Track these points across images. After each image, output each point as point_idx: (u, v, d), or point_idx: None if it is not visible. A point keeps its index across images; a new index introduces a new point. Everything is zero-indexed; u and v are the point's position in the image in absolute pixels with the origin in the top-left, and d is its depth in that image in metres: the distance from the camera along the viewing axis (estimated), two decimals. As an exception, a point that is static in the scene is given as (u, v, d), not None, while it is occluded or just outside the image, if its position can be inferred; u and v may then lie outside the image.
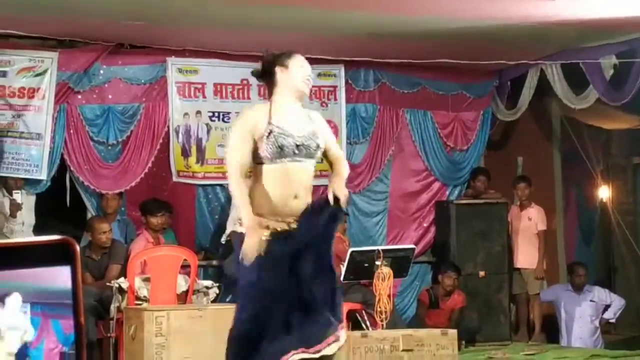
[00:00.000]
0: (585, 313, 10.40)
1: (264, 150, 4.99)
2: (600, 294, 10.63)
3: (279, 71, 5.27)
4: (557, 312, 10.58)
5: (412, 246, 9.29)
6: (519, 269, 10.44)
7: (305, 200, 5.07)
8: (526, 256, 10.40)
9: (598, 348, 10.09)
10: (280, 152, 5.00)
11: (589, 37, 9.22)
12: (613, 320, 10.74)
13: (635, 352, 8.86)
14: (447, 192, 10.64)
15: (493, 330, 10.13)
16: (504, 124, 11.15)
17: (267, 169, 5.04)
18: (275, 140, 4.99)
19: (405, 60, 9.79)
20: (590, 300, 10.44)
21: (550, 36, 9.07)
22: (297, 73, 5.26)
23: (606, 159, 13.05)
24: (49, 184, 8.85)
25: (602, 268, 13.48)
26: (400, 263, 8.72)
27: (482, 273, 10.21)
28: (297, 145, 5.06)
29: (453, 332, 8.20)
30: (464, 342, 9.15)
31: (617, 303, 10.68)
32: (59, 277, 0.72)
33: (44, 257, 0.71)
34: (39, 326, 0.82)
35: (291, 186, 5.04)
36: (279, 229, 4.98)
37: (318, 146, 5.17)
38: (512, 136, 11.44)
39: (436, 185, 10.58)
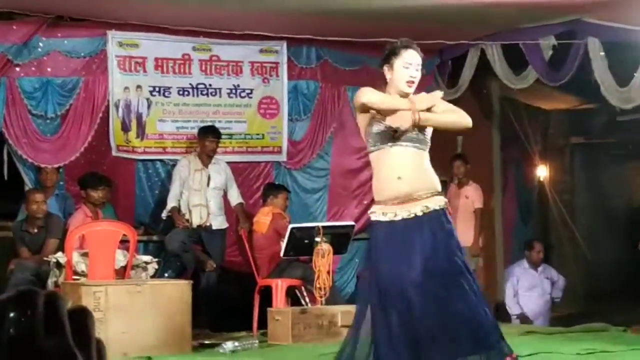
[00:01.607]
0: (541, 289, 10.67)
1: None
2: (550, 271, 10.88)
3: (387, 70, 5.29)
4: (512, 292, 10.73)
5: (352, 223, 9.33)
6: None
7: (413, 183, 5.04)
8: (463, 234, 10.40)
9: (547, 325, 10.26)
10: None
11: (529, 17, 9.30)
12: (558, 299, 10.92)
13: (568, 328, 9.00)
14: (388, 170, 10.66)
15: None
16: (445, 103, 11.19)
17: None
18: None
19: (348, 39, 9.80)
20: (546, 278, 10.71)
21: (491, 16, 9.13)
22: (401, 75, 5.22)
23: (544, 138, 13.23)
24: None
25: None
26: (340, 240, 8.77)
27: (420, 250, 10.24)
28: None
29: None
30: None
31: (562, 282, 10.92)
32: None
33: None
34: None
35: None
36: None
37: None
38: (452, 115, 11.50)
39: (377, 162, 10.60)
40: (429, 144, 5.14)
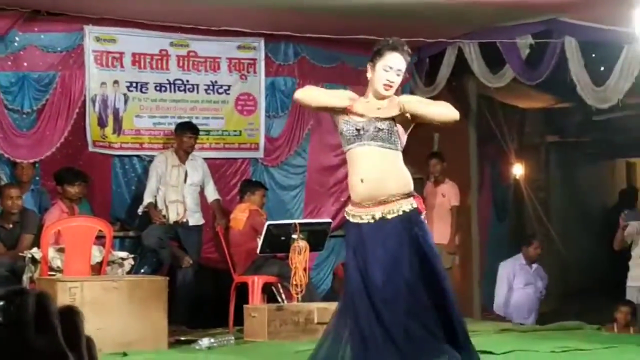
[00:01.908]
0: (534, 286, 10.64)
1: None
2: (540, 268, 10.88)
3: (369, 68, 5.22)
4: (501, 285, 10.68)
5: (329, 220, 9.34)
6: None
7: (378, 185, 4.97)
8: (439, 232, 10.48)
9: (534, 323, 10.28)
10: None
11: (507, 16, 9.33)
12: (543, 297, 10.91)
13: (543, 326, 9.06)
14: (365, 168, 10.68)
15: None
16: (422, 101, 11.21)
17: None
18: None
19: (325, 36, 9.81)
20: (538, 275, 10.70)
21: (469, 15, 9.16)
22: (380, 76, 5.13)
23: (520, 137, 13.29)
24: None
25: (514, 244, 13.74)
26: (316, 237, 8.77)
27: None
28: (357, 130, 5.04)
29: (367, 306, 8.29)
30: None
31: (546, 279, 10.93)
32: None
33: None
34: None
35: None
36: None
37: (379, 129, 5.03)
38: (429, 113, 11.53)
39: (354, 160, 10.62)
40: (400, 142, 5.02)
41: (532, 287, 10.67)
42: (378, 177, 4.94)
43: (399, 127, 5.01)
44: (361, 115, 5.02)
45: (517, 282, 10.64)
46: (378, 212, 4.92)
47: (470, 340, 5.10)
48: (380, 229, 4.92)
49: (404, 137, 5.05)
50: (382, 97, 5.09)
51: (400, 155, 5.05)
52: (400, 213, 4.91)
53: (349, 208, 5.08)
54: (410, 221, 4.93)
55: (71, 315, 0.90)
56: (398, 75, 5.10)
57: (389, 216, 4.92)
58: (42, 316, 0.84)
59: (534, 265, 10.75)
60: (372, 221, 4.93)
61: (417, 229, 4.94)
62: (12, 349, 0.78)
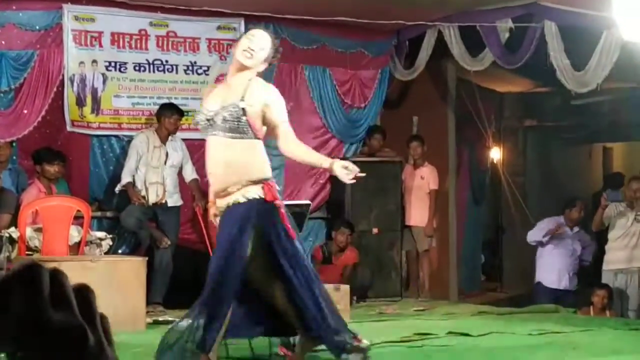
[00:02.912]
0: (571, 249, 10.25)
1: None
2: (584, 235, 10.44)
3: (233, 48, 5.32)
4: (536, 230, 10.32)
5: (308, 202, 9.32)
6: (409, 227, 10.58)
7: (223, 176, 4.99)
8: (417, 214, 10.54)
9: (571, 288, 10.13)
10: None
11: (488, 0, 9.35)
12: (588, 263, 10.48)
13: (520, 309, 9.11)
14: (344, 150, 10.72)
15: (384, 287, 10.28)
16: (401, 84, 11.26)
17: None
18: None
19: (306, 17, 9.79)
20: (578, 240, 10.32)
21: (449, -2, 9.17)
22: (240, 45, 5.20)
23: (498, 121, 13.34)
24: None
25: (491, 228, 13.83)
26: (296, 218, 8.65)
27: (375, 230, 10.33)
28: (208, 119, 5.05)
29: (345, 288, 8.32)
30: (355, 298, 9.28)
31: (593, 247, 10.44)
32: None
33: None
34: None
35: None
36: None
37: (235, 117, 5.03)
38: (408, 96, 11.57)
39: (333, 142, 10.65)
40: (251, 130, 5.01)
41: (566, 248, 10.20)
42: (225, 168, 4.97)
43: (249, 113, 5.00)
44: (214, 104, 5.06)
45: (550, 243, 10.21)
46: (223, 203, 4.99)
47: (340, 328, 5.16)
48: (226, 216, 4.98)
49: (261, 124, 5.07)
50: (243, 67, 5.11)
51: (254, 143, 5.05)
52: (242, 201, 4.94)
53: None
54: (253, 209, 4.95)
55: (85, 292, 0.89)
56: (262, 49, 5.14)
57: (232, 203, 4.96)
58: (57, 291, 0.83)
59: (575, 229, 10.27)
60: (223, 210, 5.02)
61: (261, 219, 4.95)
62: (31, 322, 0.77)
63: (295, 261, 5.01)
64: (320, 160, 5.30)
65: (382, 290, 10.21)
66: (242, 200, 4.92)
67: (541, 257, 10.32)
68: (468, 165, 12.70)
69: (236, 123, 4.95)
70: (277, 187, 5.17)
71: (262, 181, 5.00)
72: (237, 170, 4.94)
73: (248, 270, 4.98)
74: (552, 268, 10.20)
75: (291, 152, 5.27)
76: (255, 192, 4.95)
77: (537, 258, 10.36)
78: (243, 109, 4.99)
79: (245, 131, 4.98)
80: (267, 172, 5.10)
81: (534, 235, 10.29)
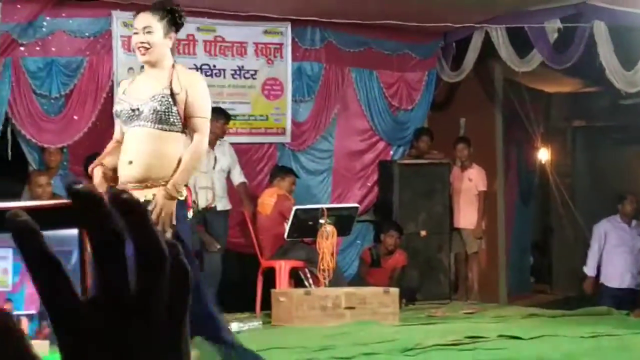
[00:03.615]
0: (631, 246, 9.95)
1: None
2: None
3: None
4: (597, 247, 10.07)
5: (356, 205, 9.36)
6: (458, 229, 10.55)
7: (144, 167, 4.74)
8: (466, 216, 10.51)
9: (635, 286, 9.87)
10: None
11: (535, 0, 9.29)
12: None
13: (572, 311, 9.03)
14: (391, 152, 10.71)
15: (433, 289, 10.26)
16: (448, 85, 11.23)
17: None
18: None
19: (352, 20, 9.79)
20: (638, 234, 10.01)
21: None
22: (133, 44, 4.98)
23: (546, 121, 13.24)
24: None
25: (539, 229, 13.73)
26: (343, 221, 8.78)
27: (423, 232, 10.31)
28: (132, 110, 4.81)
29: (394, 291, 8.33)
30: (404, 301, 9.27)
31: None
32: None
33: (52, 221, 0.71)
34: (20, 271, 0.83)
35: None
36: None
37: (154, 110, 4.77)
38: (455, 97, 11.53)
39: (380, 144, 10.64)
40: (181, 122, 4.77)
41: (627, 246, 9.91)
42: (148, 159, 4.72)
43: (179, 106, 4.79)
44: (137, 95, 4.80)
45: (609, 242, 9.97)
46: (145, 194, 4.66)
47: (227, 339, 4.94)
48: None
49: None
50: (151, 65, 4.87)
51: (178, 137, 4.79)
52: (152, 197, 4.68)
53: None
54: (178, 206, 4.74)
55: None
56: (149, 32, 4.85)
57: (151, 197, 4.67)
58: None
59: (634, 222, 9.99)
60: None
61: (177, 221, 4.75)
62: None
63: (196, 274, 4.93)
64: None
65: (431, 293, 10.19)
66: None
67: (602, 257, 10.10)
68: (516, 166, 12.63)
69: (167, 114, 4.72)
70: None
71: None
72: (163, 164, 4.69)
73: None
74: (614, 267, 9.94)
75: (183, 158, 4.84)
76: (180, 192, 4.75)
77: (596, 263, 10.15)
78: (173, 98, 4.76)
79: (175, 123, 4.75)
80: None
81: (593, 249, 10.15)
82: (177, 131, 4.75)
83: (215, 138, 9.21)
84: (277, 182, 9.30)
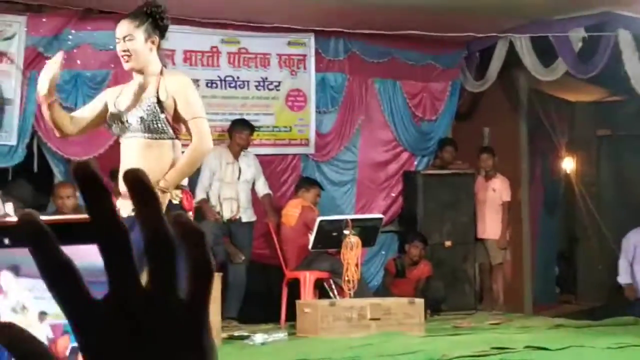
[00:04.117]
0: None
1: None
2: None
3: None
4: (627, 259, 10.04)
5: (380, 216, 9.34)
6: (482, 240, 10.51)
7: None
8: (491, 227, 10.47)
9: None
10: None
11: (559, 9, 9.27)
12: None
13: (598, 322, 8.97)
14: (415, 162, 10.70)
15: (458, 300, 10.23)
16: (472, 95, 11.20)
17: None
18: None
19: (375, 31, 9.79)
20: None
21: (520, 8, 9.10)
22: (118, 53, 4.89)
23: (571, 131, 13.18)
24: (24, 152, 8.78)
25: (565, 239, 13.66)
26: (368, 232, 8.77)
27: (448, 243, 10.29)
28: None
29: (420, 302, 8.30)
30: (429, 311, 9.24)
31: None
32: (84, 253, 0.72)
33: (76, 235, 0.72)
34: None
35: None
36: None
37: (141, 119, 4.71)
38: (479, 107, 11.50)
39: (404, 155, 10.63)
40: (170, 129, 4.68)
41: None
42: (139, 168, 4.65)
43: (170, 111, 4.70)
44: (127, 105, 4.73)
45: (638, 253, 9.91)
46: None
47: None
48: (132, 221, 4.64)
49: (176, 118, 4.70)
50: (137, 72, 4.79)
51: (175, 143, 4.72)
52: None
53: (118, 201, 4.70)
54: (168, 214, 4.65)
55: None
56: (130, 40, 4.76)
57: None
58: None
59: None
60: (131, 214, 4.64)
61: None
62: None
63: None
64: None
65: (456, 303, 10.15)
66: None
67: (635, 271, 10.04)
68: (541, 175, 12.57)
69: (154, 122, 4.64)
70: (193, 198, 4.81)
71: (181, 187, 4.71)
72: (154, 173, 4.58)
73: None
74: None
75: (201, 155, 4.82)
76: (174, 195, 4.65)
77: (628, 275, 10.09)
78: (160, 104, 4.69)
79: (165, 130, 4.68)
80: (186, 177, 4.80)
81: (622, 262, 10.07)
82: (167, 138, 4.69)
83: (239, 149, 9.24)
84: (301, 194, 9.31)
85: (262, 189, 9.45)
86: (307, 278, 8.79)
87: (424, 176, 10.35)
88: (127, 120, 4.68)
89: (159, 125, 4.65)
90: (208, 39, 9.61)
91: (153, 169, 4.58)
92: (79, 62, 9.01)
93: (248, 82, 9.82)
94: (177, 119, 4.74)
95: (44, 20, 8.79)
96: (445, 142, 10.66)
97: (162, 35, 4.93)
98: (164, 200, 4.61)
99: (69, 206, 8.48)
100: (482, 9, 9.05)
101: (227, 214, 9.16)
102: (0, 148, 8.69)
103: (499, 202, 10.48)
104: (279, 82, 9.95)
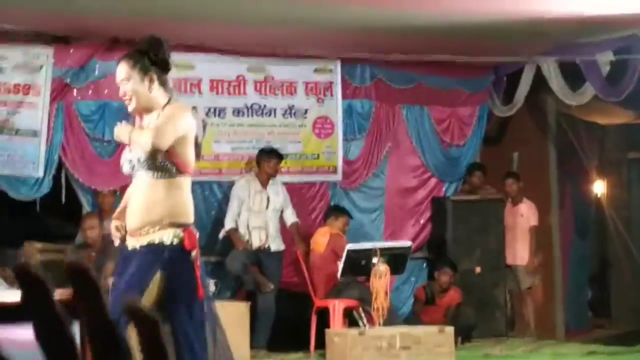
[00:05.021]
0: None
1: None
2: None
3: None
4: None
5: (409, 243, 9.28)
6: (512, 265, 10.43)
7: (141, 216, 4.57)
8: (519, 252, 10.40)
9: None
10: None
11: (586, 33, 9.21)
12: None
13: (632, 347, 8.85)
14: (444, 188, 10.64)
15: (489, 327, 10.13)
16: (500, 119, 11.14)
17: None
18: None
19: (402, 56, 9.77)
20: None
21: (547, 32, 9.05)
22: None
23: (601, 154, 13.06)
24: (51, 183, 8.81)
25: (597, 263, 13.52)
26: (397, 260, 8.72)
27: (478, 269, 10.21)
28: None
29: (450, 330, 8.23)
30: (460, 339, 9.15)
31: None
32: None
33: None
34: None
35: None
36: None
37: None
38: (507, 131, 11.44)
39: (433, 181, 10.57)
40: (174, 167, 4.55)
41: None
42: (142, 208, 4.52)
43: (178, 154, 4.56)
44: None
45: None
46: (141, 241, 4.52)
47: None
48: (133, 257, 4.54)
49: (185, 157, 4.60)
50: (141, 112, 4.69)
51: (180, 182, 4.59)
52: (157, 242, 4.49)
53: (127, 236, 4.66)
54: (163, 255, 4.48)
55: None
56: (126, 83, 4.65)
57: (145, 243, 4.50)
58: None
59: None
60: (134, 250, 4.57)
61: (169, 266, 4.47)
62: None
63: (194, 328, 4.47)
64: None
65: (487, 330, 10.05)
66: (157, 241, 4.48)
67: None
68: (571, 199, 12.46)
69: (153, 161, 4.52)
70: (197, 235, 4.63)
71: (183, 225, 4.53)
72: (158, 211, 4.48)
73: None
74: None
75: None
76: (175, 235, 4.51)
77: None
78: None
79: (168, 168, 4.55)
80: (190, 216, 4.62)
81: None
82: (169, 177, 4.55)
83: (267, 178, 9.23)
84: (330, 222, 9.28)
85: (291, 217, 9.43)
86: (337, 307, 8.75)
87: (453, 202, 10.29)
88: (130, 160, 4.60)
89: (160, 164, 4.53)
90: (234, 67, 9.62)
91: (149, 206, 4.50)
92: (106, 92, 9.04)
93: (275, 110, 9.81)
94: (178, 151, 4.59)
95: (70, 51, 8.83)
96: (473, 167, 10.60)
97: (163, 69, 4.78)
98: (159, 238, 4.50)
99: (94, 237, 8.48)
100: (509, 34, 9.00)
101: (256, 243, 9.14)
102: (27, 180, 8.71)
103: (526, 227, 10.41)
104: (306, 110, 9.94)
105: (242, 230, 9.14)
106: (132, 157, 4.61)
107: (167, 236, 4.49)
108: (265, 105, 9.76)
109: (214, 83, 9.54)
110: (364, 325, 8.57)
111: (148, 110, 4.67)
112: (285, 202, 9.41)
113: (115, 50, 9.03)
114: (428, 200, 10.51)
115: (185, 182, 4.64)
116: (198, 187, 9.56)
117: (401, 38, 9.15)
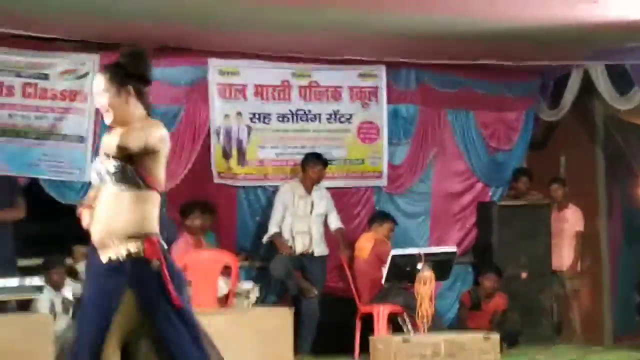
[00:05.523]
0: None
1: None
2: None
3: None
4: None
5: (454, 249, 9.23)
6: (557, 271, 10.36)
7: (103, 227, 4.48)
8: (565, 257, 10.33)
9: None
10: None
11: (634, 37, 9.09)
12: None
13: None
14: (490, 193, 10.57)
15: (535, 333, 10.07)
16: (547, 124, 11.05)
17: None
18: None
19: (447, 61, 9.72)
20: None
21: (594, 36, 8.95)
22: None
23: (650, 158, 12.90)
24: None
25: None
26: (441, 266, 8.68)
27: (524, 274, 10.15)
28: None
29: (495, 337, 8.17)
30: (505, 345, 9.09)
31: None
32: None
33: None
34: None
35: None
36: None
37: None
38: (554, 136, 11.33)
39: (478, 186, 10.51)
40: (142, 180, 4.40)
41: None
42: (106, 219, 4.41)
43: (145, 166, 4.42)
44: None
45: None
46: (103, 256, 4.40)
47: None
48: (99, 274, 4.44)
49: (155, 173, 4.45)
50: (117, 126, 4.54)
51: (147, 195, 4.43)
52: (114, 258, 4.36)
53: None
54: (125, 272, 4.36)
55: None
56: (103, 96, 4.52)
57: (107, 259, 4.39)
58: None
59: None
60: (100, 265, 4.43)
61: (134, 281, 4.36)
62: None
63: (178, 335, 4.39)
64: None
65: (533, 336, 9.98)
66: (114, 257, 4.38)
67: None
68: (619, 204, 12.32)
69: (123, 174, 4.40)
70: (164, 244, 4.48)
71: (142, 235, 4.39)
72: (120, 223, 4.37)
73: (129, 345, 4.41)
74: None
75: None
76: (133, 247, 4.37)
77: None
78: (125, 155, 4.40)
79: (136, 182, 4.41)
80: (149, 226, 4.43)
81: None
82: (137, 190, 4.42)
83: (312, 183, 9.24)
84: (375, 227, 9.28)
85: (335, 223, 9.42)
86: (381, 312, 8.73)
87: (499, 207, 10.24)
88: (100, 172, 4.51)
89: (129, 176, 4.41)
90: (279, 73, 9.64)
91: (113, 218, 4.41)
92: (151, 98, 9.06)
93: (320, 115, 9.81)
94: (149, 165, 4.45)
95: (116, 58, 8.87)
96: (520, 172, 10.54)
97: (142, 83, 4.71)
98: (118, 253, 4.40)
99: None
100: (556, 38, 8.92)
101: (299, 248, 9.16)
102: (73, 185, 8.80)
103: (571, 233, 10.33)
104: (351, 115, 9.93)
105: (286, 235, 9.16)
106: (100, 169, 4.52)
107: (128, 249, 4.38)
108: (309, 111, 9.76)
109: (258, 89, 9.57)
110: (409, 332, 8.53)
111: (125, 123, 4.55)
112: (329, 207, 9.41)
113: (160, 57, 9.08)
114: (474, 205, 10.45)
115: (153, 197, 4.47)
116: (243, 193, 9.61)
117: (447, 43, 9.09)
